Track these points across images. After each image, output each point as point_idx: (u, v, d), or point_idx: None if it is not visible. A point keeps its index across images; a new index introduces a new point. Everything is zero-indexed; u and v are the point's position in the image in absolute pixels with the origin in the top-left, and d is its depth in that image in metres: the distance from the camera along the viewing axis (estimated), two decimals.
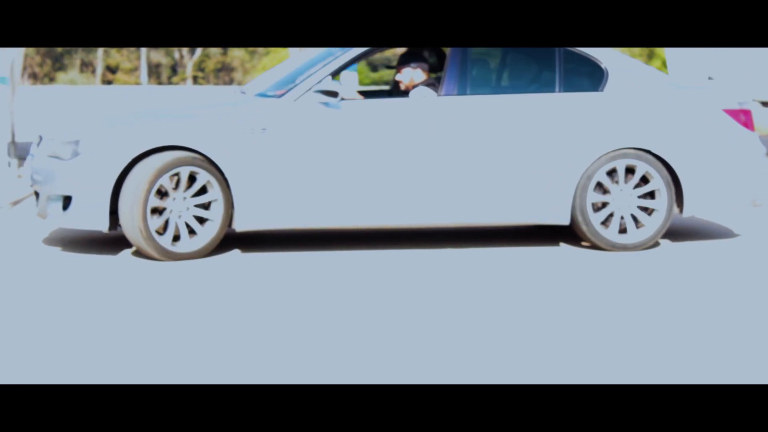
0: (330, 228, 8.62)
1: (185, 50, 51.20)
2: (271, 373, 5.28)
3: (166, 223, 8.12)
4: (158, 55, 51.77)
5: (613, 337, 6.04)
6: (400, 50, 9.15)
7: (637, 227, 8.68)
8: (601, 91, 8.69)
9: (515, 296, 7.06)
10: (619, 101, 8.67)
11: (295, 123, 8.30)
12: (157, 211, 8.09)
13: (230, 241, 8.74)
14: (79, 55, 50.27)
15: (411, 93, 8.74)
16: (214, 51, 50.66)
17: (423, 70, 8.89)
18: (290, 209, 8.31)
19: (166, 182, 8.04)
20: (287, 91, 8.45)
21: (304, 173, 8.29)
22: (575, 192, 8.56)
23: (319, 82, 8.39)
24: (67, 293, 7.04)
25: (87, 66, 52.24)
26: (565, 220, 8.61)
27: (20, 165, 13.19)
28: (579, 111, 8.60)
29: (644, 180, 8.67)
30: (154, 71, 52.48)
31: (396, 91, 9.11)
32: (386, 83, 11.67)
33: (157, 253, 8.05)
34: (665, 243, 9.04)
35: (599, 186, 8.61)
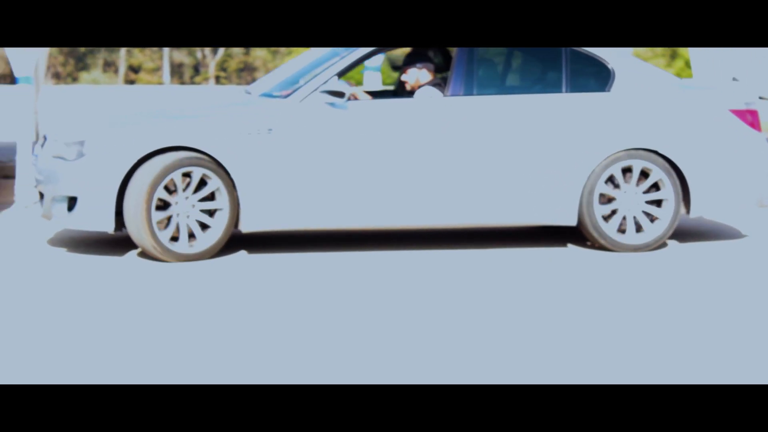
0: (336, 229, 8.61)
1: (208, 50, 51.23)
2: (276, 373, 5.28)
3: (171, 222, 8.10)
4: (181, 55, 51.83)
5: (620, 337, 6.02)
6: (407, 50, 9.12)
7: (644, 228, 8.63)
8: (608, 91, 8.65)
9: (522, 297, 7.04)
10: (626, 102, 8.62)
11: (301, 123, 8.28)
12: (163, 209, 8.08)
13: (237, 242, 8.73)
14: (101, 54, 50.37)
15: (416, 93, 8.72)
16: (237, 51, 50.66)
17: (429, 70, 8.86)
18: (296, 210, 8.29)
19: (176, 180, 8.01)
20: (293, 92, 8.42)
21: (311, 174, 8.27)
22: (582, 193, 8.52)
23: (325, 82, 8.36)
24: (72, 294, 7.05)
25: (110, 66, 52.37)
26: (572, 221, 8.57)
27: None
28: (586, 111, 8.56)
29: (650, 179, 8.62)
30: (176, 71, 52.56)
31: (401, 91, 9.08)
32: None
33: (162, 255, 8.04)
34: (672, 244, 8.99)
35: (606, 187, 8.56)
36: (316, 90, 8.35)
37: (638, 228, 8.62)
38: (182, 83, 50.09)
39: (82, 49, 48.41)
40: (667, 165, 8.57)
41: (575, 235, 9.17)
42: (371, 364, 5.49)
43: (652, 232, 8.61)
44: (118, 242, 8.70)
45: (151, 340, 5.90)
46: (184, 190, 8.08)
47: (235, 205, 8.19)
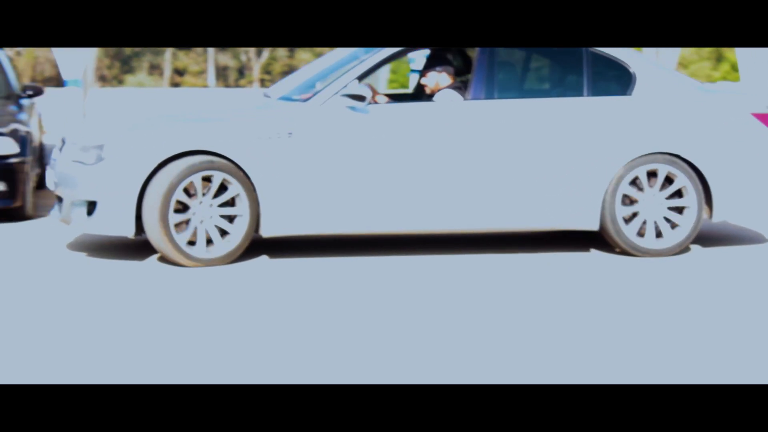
0: (358, 234, 8.58)
1: (252, 53, 51.46)
2: (290, 375, 5.30)
3: (189, 225, 8.10)
4: (225, 58, 52.10)
5: (641, 341, 6.00)
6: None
7: (667, 233, 8.55)
8: (630, 95, 8.58)
9: (545, 301, 7.01)
10: (647, 105, 8.55)
11: (321, 127, 8.25)
12: (182, 212, 8.07)
13: (258, 247, 8.73)
14: (147, 57, 50.73)
15: (436, 96, 8.68)
16: (281, 53, 50.85)
17: (448, 73, 8.81)
18: (317, 215, 8.26)
19: (196, 183, 8.01)
20: (313, 95, 8.40)
21: (331, 178, 8.24)
22: (604, 197, 8.45)
23: (345, 86, 8.34)
24: (91, 299, 7.07)
25: (155, 68, 52.71)
26: (594, 226, 8.50)
27: None
28: (607, 115, 8.49)
29: (674, 186, 8.53)
30: (221, 74, 52.82)
31: (421, 95, 9.05)
32: None
33: (182, 259, 8.04)
34: (695, 248, 8.90)
35: (629, 191, 8.49)
36: (336, 93, 8.32)
37: (661, 233, 8.54)
38: (227, 86, 50.34)
39: (128, 52, 48.76)
40: (689, 169, 8.48)
41: (599, 239, 9.10)
42: (386, 367, 5.49)
43: (675, 236, 8.53)
44: (138, 247, 8.71)
45: (170, 344, 5.92)
46: (204, 194, 8.08)
47: (255, 210, 8.17)
